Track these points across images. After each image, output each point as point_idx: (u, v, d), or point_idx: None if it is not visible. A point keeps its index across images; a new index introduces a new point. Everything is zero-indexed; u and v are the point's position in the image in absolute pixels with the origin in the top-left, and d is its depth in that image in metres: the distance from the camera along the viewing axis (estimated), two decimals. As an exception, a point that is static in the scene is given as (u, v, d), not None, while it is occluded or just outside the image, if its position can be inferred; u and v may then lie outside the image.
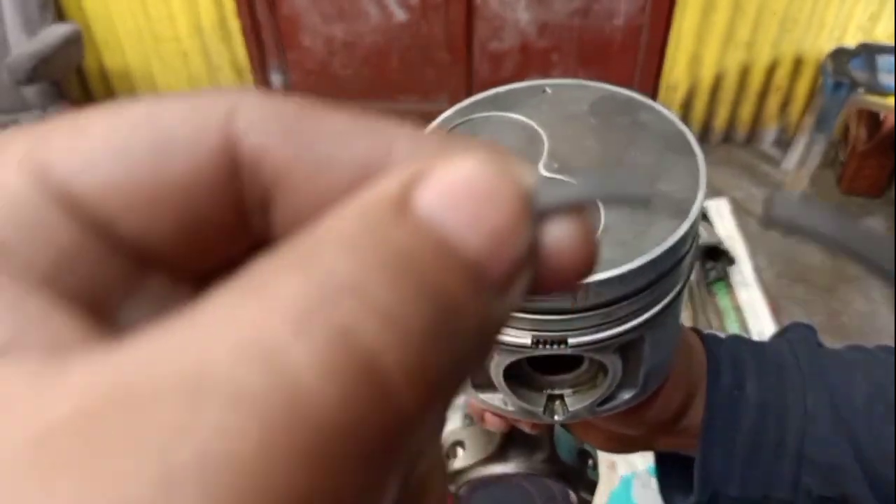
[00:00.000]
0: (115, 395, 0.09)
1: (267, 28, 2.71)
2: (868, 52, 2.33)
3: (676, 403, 0.42)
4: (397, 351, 0.10)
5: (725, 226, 1.76)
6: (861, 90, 2.21)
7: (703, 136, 2.85)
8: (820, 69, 2.51)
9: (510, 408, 0.37)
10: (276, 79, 2.84)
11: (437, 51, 2.74)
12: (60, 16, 2.48)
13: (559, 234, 0.13)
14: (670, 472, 0.50)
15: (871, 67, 2.27)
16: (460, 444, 0.51)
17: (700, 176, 0.33)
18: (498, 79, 2.78)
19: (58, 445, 0.09)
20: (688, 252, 0.32)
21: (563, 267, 0.13)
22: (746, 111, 2.80)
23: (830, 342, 0.47)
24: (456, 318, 0.11)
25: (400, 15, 2.67)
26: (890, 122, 2.43)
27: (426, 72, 2.79)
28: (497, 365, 0.34)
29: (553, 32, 2.70)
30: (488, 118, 0.37)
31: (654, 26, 2.65)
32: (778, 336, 0.50)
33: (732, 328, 1.71)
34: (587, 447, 0.51)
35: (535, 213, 0.12)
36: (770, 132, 2.86)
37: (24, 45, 2.16)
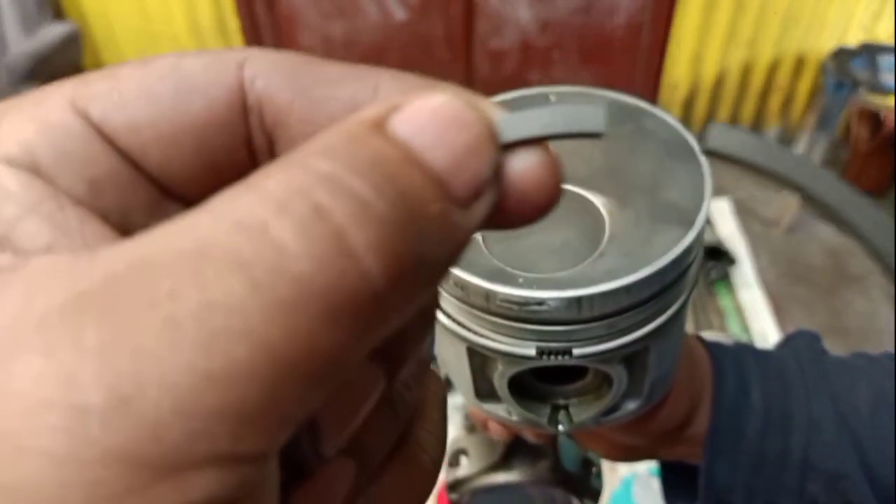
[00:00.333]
0: (135, 263, 0.11)
1: (265, 27, 2.70)
2: (869, 51, 2.33)
3: (681, 413, 0.42)
4: (366, 230, 0.12)
5: (726, 226, 1.76)
6: (862, 90, 2.20)
7: (704, 135, 2.84)
8: (821, 69, 2.50)
9: (514, 418, 0.37)
10: (276, 77, 2.83)
11: (437, 49, 2.73)
12: (59, 15, 2.47)
13: (523, 164, 0.14)
14: (674, 480, 0.49)
15: (873, 67, 2.26)
16: (464, 452, 0.51)
17: (705, 184, 0.32)
18: (498, 77, 2.78)
19: (86, 304, 0.11)
20: (693, 261, 0.32)
21: (526, 194, 0.14)
22: (748, 110, 2.79)
23: (832, 342, 0.47)
24: (420, 219, 0.12)
25: (399, 13, 2.66)
26: (891, 122, 2.43)
27: (426, 70, 2.74)
28: (501, 375, 0.34)
29: (554, 30, 2.69)
30: None
31: (655, 24, 2.64)
32: (782, 344, 0.50)
33: (734, 328, 1.70)
34: (591, 455, 0.50)
35: (500, 143, 0.14)
36: (772, 131, 2.86)
37: (22, 45, 2.15)
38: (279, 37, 2.73)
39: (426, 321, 0.19)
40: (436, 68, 2.76)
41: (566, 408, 0.36)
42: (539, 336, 0.30)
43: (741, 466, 0.42)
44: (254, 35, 2.67)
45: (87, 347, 0.10)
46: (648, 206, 0.32)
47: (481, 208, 0.14)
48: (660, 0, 2.57)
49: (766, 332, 1.69)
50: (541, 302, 0.29)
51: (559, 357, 0.31)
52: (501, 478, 0.49)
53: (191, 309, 0.11)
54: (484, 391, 0.36)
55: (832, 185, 1.83)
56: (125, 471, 0.10)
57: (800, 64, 2.66)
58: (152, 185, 0.16)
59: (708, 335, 1.41)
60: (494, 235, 0.31)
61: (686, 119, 2.79)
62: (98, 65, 2.74)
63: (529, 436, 0.44)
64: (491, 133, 0.14)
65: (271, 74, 0.16)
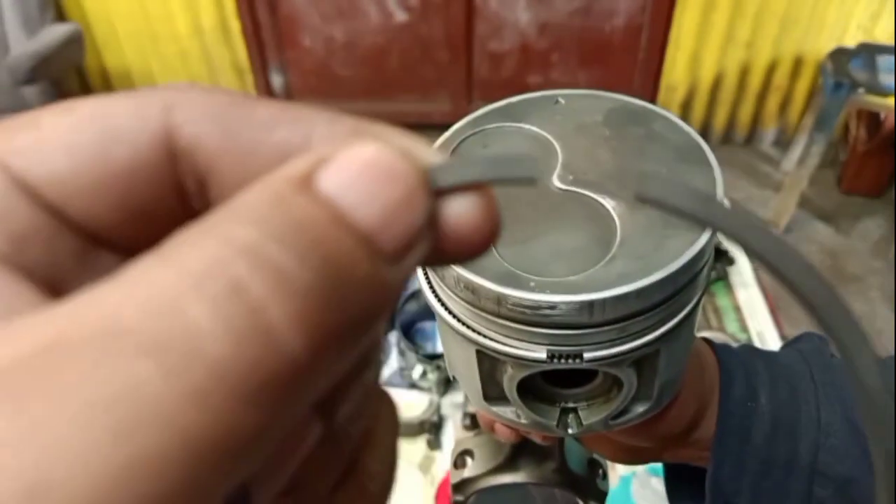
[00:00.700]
0: (46, 344, 0.11)
1: (267, 28, 2.70)
2: (868, 52, 2.33)
3: (688, 416, 0.42)
4: (287, 304, 0.11)
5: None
6: (861, 90, 2.20)
7: (703, 136, 2.81)
8: (820, 69, 2.50)
9: (523, 421, 0.37)
10: (276, 79, 2.83)
11: (437, 51, 2.73)
12: (60, 16, 2.47)
13: (458, 209, 0.14)
14: (680, 483, 0.49)
15: (871, 67, 2.27)
16: (469, 453, 0.51)
17: (717, 188, 0.32)
18: (498, 79, 2.78)
19: None
20: (705, 264, 0.32)
21: (462, 238, 0.14)
22: (746, 111, 2.80)
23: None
24: (346, 280, 0.12)
25: (400, 15, 2.66)
26: (890, 123, 2.43)
27: (426, 72, 2.78)
28: (511, 378, 0.33)
29: (553, 32, 2.69)
30: (500, 129, 0.36)
31: (654, 26, 2.65)
32: (789, 346, 0.50)
33: (732, 327, 1.71)
34: (597, 457, 0.50)
35: (434, 190, 0.14)
36: (770, 132, 2.86)
37: (24, 45, 2.15)
38: (280, 38, 2.73)
39: (365, 362, 0.18)
40: (436, 70, 2.76)
41: (575, 411, 0.36)
42: (550, 340, 0.30)
43: (748, 470, 0.42)
44: (255, 37, 2.67)
45: None
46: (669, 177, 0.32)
47: (412, 260, 0.13)
48: (658, 2, 2.57)
49: (763, 331, 1.69)
50: (552, 306, 0.29)
51: (570, 361, 0.31)
52: (507, 479, 0.49)
53: (103, 397, 0.10)
54: (492, 394, 0.36)
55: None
56: None
57: (798, 65, 2.66)
58: (79, 236, 0.15)
59: (706, 335, 1.41)
60: (506, 239, 0.31)
61: (684, 120, 2.78)
62: (99, 65, 2.74)
63: (536, 438, 0.44)
64: (423, 182, 0.13)
65: (200, 119, 0.15)
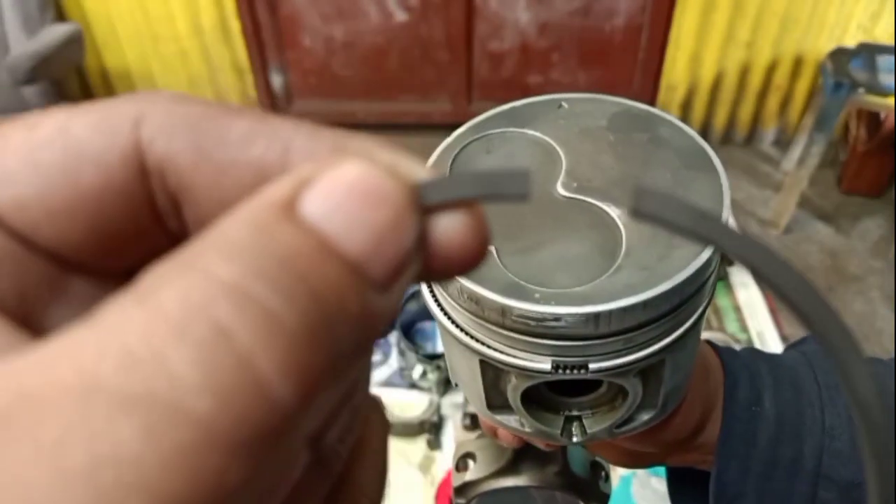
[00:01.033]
0: (17, 399, 0.10)
1: (267, 28, 2.69)
2: (868, 51, 2.33)
3: (693, 421, 0.42)
4: (275, 349, 0.11)
5: (729, 219, 1.76)
6: (861, 90, 2.20)
7: (703, 135, 2.82)
8: (820, 69, 2.50)
9: (527, 429, 0.36)
10: (276, 79, 2.83)
11: (437, 51, 2.73)
12: (60, 16, 2.46)
13: (446, 227, 0.13)
14: (683, 486, 0.49)
15: (872, 67, 2.26)
16: (471, 456, 0.50)
17: (723, 195, 0.32)
18: (498, 79, 2.77)
19: None
20: (712, 273, 0.32)
21: (451, 255, 0.14)
22: (746, 111, 2.79)
23: None
24: (335, 316, 0.11)
25: (400, 15, 2.66)
26: (890, 122, 2.43)
27: (426, 71, 2.78)
28: (515, 388, 0.33)
29: (553, 32, 2.69)
30: (504, 134, 0.36)
31: (654, 26, 2.64)
32: (793, 348, 0.49)
33: (732, 327, 1.71)
34: (599, 459, 0.50)
35: (422, 208, 0.13)
36: (770, 132, 2.86)
37: (24, 45, 2.14)
38: (280, 38, 2.73)
39: (354, 385, 0.17)
40: (436, 70, 2.76)
41: (579, 419, 0.36)
42: (554, 351, 0.30)
43: (753, 474, 0.42)
44: (255, 36, 2.67)
45: None
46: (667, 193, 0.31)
47: (402, 285, 0.13)
48: (658, 2, 2.56)
49: (763, 331, 1.69)
50: (557, 318, 0.28)
51: (575, 371, 0.31)
52: (509, 482, 0.49)
53: (80, 462, 0.09)
54: (496, 402, 0.36)
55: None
56: None
57: (798, 64, 2.66)
58: (49, 262, 0.14)
59: (706, 335, 1.41)
60: (510, 249, 0.31)
61: (684, 120, 2.78)
62: (99, 65, 2.74)
63: (540, 444, 0.43)
64: (412, 201, 0.13)
65: (171, 134, 0.14)
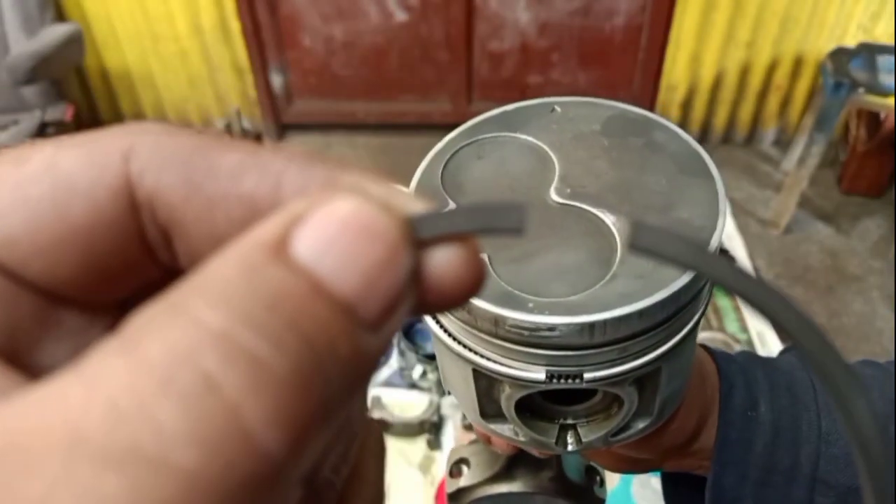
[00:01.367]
0: (3, 449, 0.10)
1: (267, 28, 2.69)
2: (868, 51, 2.33)
3: (690, 427, 0.41)
4: (264, 400, 0.10)
5: (725, 226, 1.75)
6: (861, 90, 2.20)
7: (703, 136, 2.84)
8: (820, 69, 2.50)
9: (521, 438, 0.36)
10: (276, 79, 2.82)
11: (437, 50, 2.73)
12: (60, 15, 2.46)
13: (441, 262, 0.13)
14: (679, 491, 0.49)
15: (872, 67, 2.26)
16: (465, 461, 0.50)
17: (719, 201, 0.32)
18: (498, 78, 2.77)
19: None
20: (707, 282, 0.31)
21: (445, 289, 0.13)
22: (746, 111, 2.79)
23: None
24: (326, 360, 0.11)
25: (400, 15, 2.65)
26: (890, 122, 2.43)
27: (426, 71, 2.78)
28: (508, 398, 0.33)
29: (553, 32, 2.69)
30: (496, 139, 0.36)
31: (654, 26, 2.64)
32: (789, 352, 0.49)
33: (732, 328, 1.70)
34: (594, 464, 0.50)
35: (417, 242, 0.13)
36: (770, 132, 2.85)
37: (24, 45, 2.14)
38: (280, 38, 2.73)
39: (348, 422, 0.17)
40: (436, 70, 2.76)
41: (574, 427, 0.36)
42: (549, 361, 0.30)
43: (749, 480, 0.41)
44: (255, 36, 2.66)
45: None
46: (661, 224, 0.31)
47: (395, 323, 0.13)
48: (658, 1, 2.56)
49: (763, 331, 1.68)
50: (551, 328, 0.28)
51: (569, 381, 0.30)
52: (503, 488, 0.48)
53: None
54: (490, 411, 0.36)
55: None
56: None
57: (798, 64, 2.66)
58: (39, 297, 0.14)
59: (706, 335, 1.40)
60: (503, 257, 0.30)
61: (684, 120, 2.78)
62: (99, 65, 2.74)
63: (534, 451, 0.43)
64: (405, 237, 0.12)
65: (161, 168, 0.14)
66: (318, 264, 0.12)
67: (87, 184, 0.14)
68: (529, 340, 0.29)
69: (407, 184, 0.34)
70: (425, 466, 1.29)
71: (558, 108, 0.37)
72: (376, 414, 1.25)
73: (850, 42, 2.47)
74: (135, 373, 0.10)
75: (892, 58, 2.26)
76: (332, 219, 0.12)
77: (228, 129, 1.96)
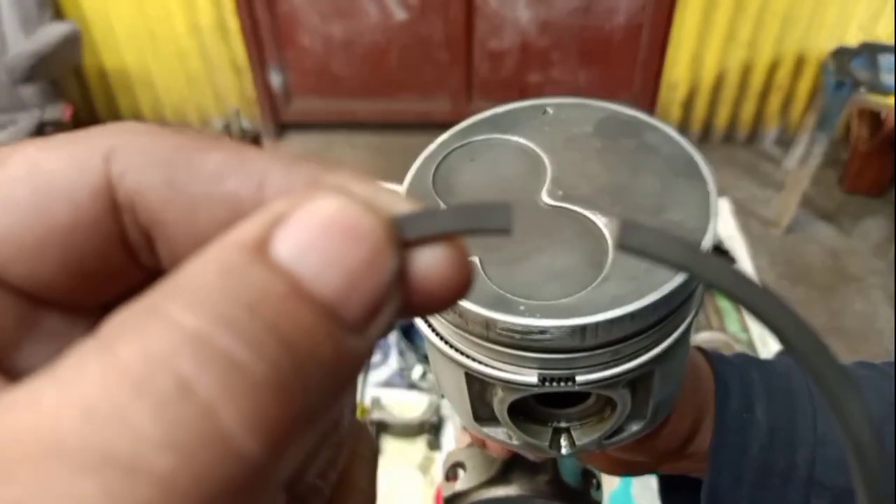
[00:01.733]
0: None
1: (265, 27, 2.69)
2: (870, 51, 2.32)
3: (685, 430, 0.41)
4: (240, 402, 0.10)
5: (726, 226, 1.75)
6: (863, 89, 2.20)
7: (705, 135, 2.83)
8: (821, 68, 2.49)
9: (515, 442, 0.36)
10: (274, 78, 2.82)
11: (437, 49, 2.72)
12: (58, 15, 2.46)
13: (427, 262, 0.13)
14: (675, 494, 0.49)
15: (873, 67, 2.26)
16: (461, 465, 0.50)
17: (711, 204, 0.32)
18: (498, 78, 2.77)
19: None
20: (699, 284, 0.31)
21: (432, 291, 0.13)
22: (748, 110, 2.79)
23: (831, 343, 0.46)
24: (307, 363, 0.11)
25: (399, 14, 2.65)
26: (891, 122, 2.42)
27: (425, 70, 2.77)
28: (501, 401, 0.33)
29: (553, 31, 2.68)
30: (488, 141, 0.35)
31: (654, 25, 2.64)
32: (785, 353, 0.49)
33: (733, 328, 1.70)
34: (590, 467, 0.50)
35: (402, 243, 0.13)
36: (771, 131, 2.85)
37: (22, 45, 2.15)
38: (279, 37, 2.72)
39: (334, 425, 0.17)
40: (435, 69, 2.75)
41: (568, 431, 0.36)
42: (541, 364, 0.29)
43: (745, 482, 0.41)
44: (254, 35, 2.66)
45: None
46: (653, 226, 0.31)
47: (380, 325, 0.12)
48: (659, 1, 2.56)
49: (765, 332, 1.68)
50: (543, 331, 0.28)
51: (562, 384, 0.30)
52: (499, 492, 0.48)
53: None
54: (483, 415, 0.35)
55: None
56: None
57: (800, 64, 2.65)
58: (20, 299, 0.14)
59: (707, 335, 1.40)
60: (494, 260, 0.30)
61: (686, 119, 2.78)
62: (97, 64, 2.74)
63: (528, 455, 0.43)
64: (390, 238, 0.12)
65: (142, 168, 0.14)
66: (298, 265, 0.11)
67: (68, 185, 0.14)
68: (521, 343, 0.29)
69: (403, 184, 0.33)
70: (425, 467, 1.29)
71: (550, 110, 0.37)
72: (376, 414, 1.24)
73: (852, 41, 2.47)
74: (110, 376, 0.10)
75: (894, 57, 2.26)
76: (314, 219, 0.12)
77: (227, 128, 1.95)
